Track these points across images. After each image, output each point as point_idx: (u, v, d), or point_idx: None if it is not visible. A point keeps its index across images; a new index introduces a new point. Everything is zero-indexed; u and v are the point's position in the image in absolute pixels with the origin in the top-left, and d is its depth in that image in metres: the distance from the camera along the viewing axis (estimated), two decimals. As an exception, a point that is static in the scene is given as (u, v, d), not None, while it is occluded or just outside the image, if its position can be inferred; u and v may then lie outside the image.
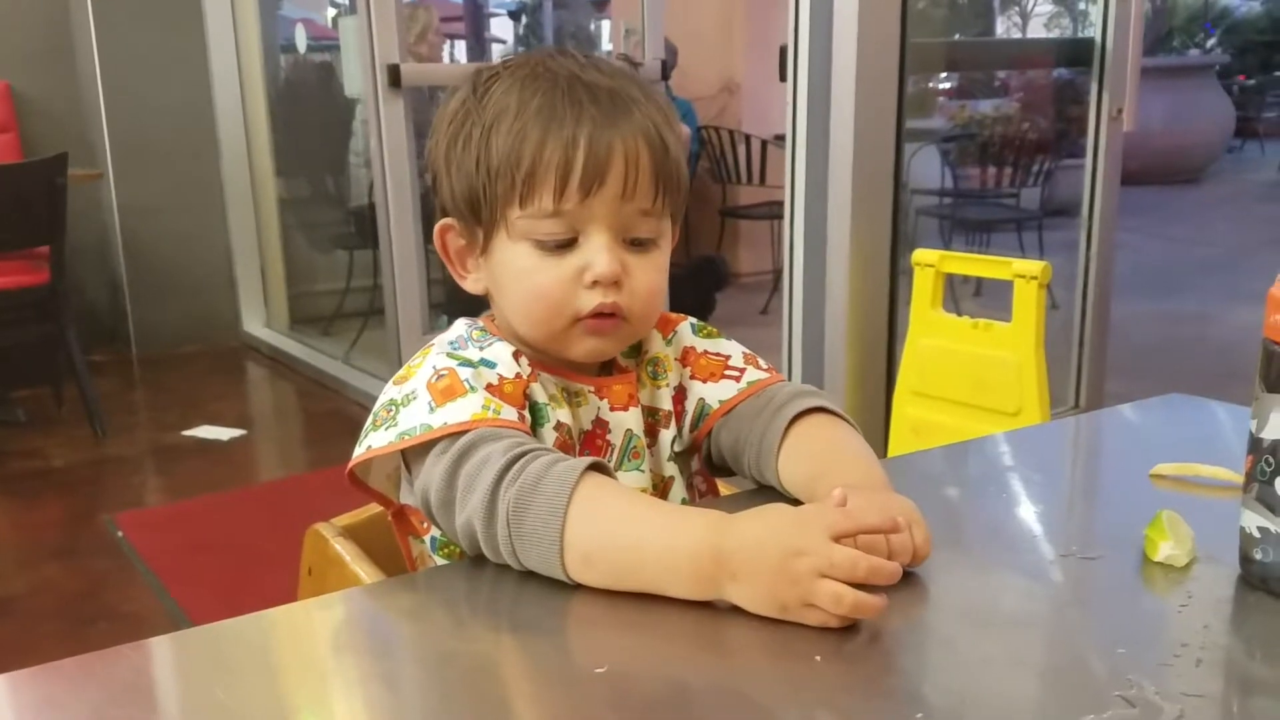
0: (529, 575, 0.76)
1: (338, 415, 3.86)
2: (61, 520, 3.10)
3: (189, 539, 2.87)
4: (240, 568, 2.62)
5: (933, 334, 2.47)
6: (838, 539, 0.69)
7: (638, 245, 0.87)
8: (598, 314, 0.86)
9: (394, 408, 0.84)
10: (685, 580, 0.72)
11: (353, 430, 0.87)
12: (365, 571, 0.90)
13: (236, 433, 3.68)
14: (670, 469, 0.95)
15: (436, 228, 0.94)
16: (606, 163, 0.83)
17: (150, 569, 2.65)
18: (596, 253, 0.85)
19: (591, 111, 0.84)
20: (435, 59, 4.25)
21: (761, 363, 0.99)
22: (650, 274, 0.88)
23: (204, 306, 4.81)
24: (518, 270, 0.87)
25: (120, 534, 2.85)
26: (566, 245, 0.86)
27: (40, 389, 3.93)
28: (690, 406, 0.97)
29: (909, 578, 0.74)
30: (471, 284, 0.93)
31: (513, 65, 0.89)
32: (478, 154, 0.87)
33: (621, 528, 0.74)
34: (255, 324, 4.94)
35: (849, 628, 0.68)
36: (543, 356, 0.90)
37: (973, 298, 4.03)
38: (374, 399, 0.88)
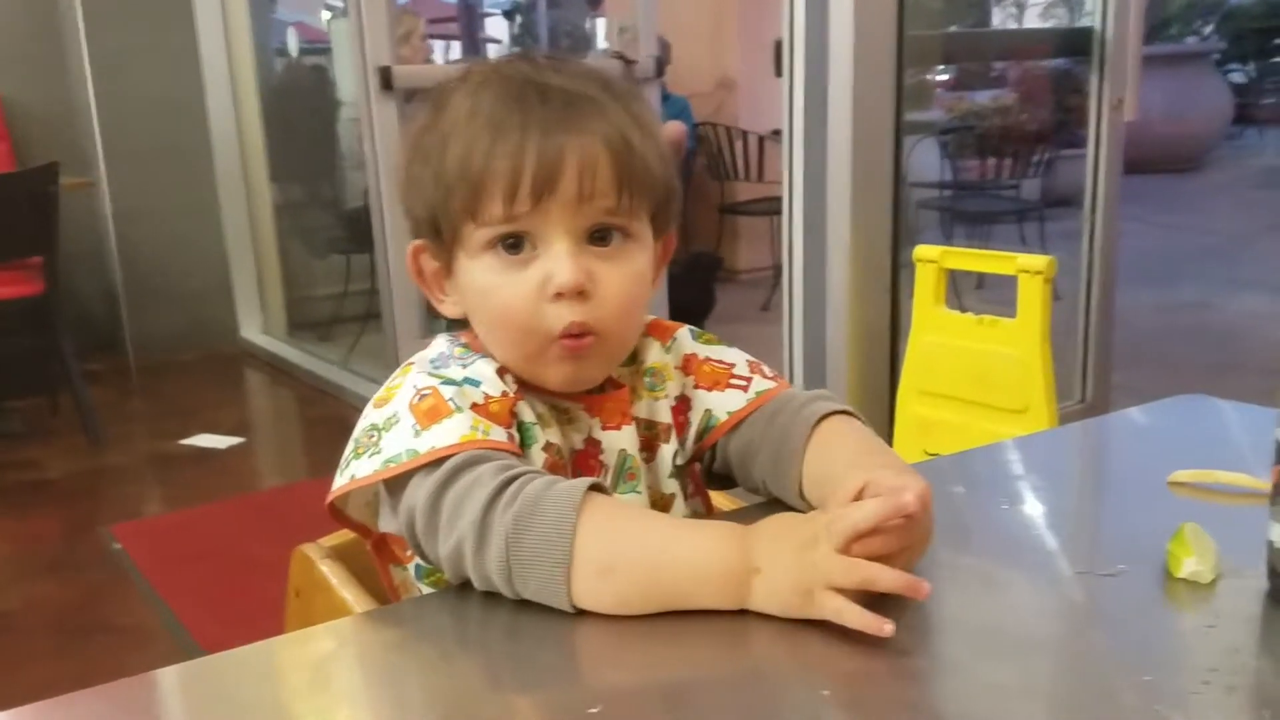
0: (522, 605, 0.73)
1: (337, 421, 3.83)
2: (58, 532, 3.08)
3: (187, 549, 2.84)
4: (239, 578, 2.59)
5: (936, 331, 2.44)
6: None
7: (601, 241, 0.82)
8: (569, 334, 0.81)
9: (376, 433, 0.79)
10: (713, 583, 0.70)
11: (351, 435, 0.83)
12: (352, 595, 0.87)
13: (234, 440, 3.65)
14: (671, 485, 0.91)
15: (409, 250, 0.89)
16: (557, 167, 0.78)
17: (148, 580, 2.62)
18: (557, 260, 0.80)
19: (541, 115, 0.79)
20: (419, 62, 4.24)
21: (766, 370, 0.95)
22: (621, 281, 0.82)
23: (201, 313, 4.78)
24: (480, 289, 0.83)
25: (117, 545, 2.82)
26: (522, 250, 0.81)
27: (36, 399, 3.91)
28: (695, 418, 0.93)
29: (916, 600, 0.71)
30: (449, 307, 0.89)
31: (472, 74, 0.85)
32: (435, 169, 0.82)
33: (639, 538, 0.72)
34: (253, 330, 4.92)
35: (860, 653, 0.65)
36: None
37: (975, 290, 4.00)
38: (373, 404, 0.84)
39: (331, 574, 0.90)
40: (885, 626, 0.66)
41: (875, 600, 0.68)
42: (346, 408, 3.92)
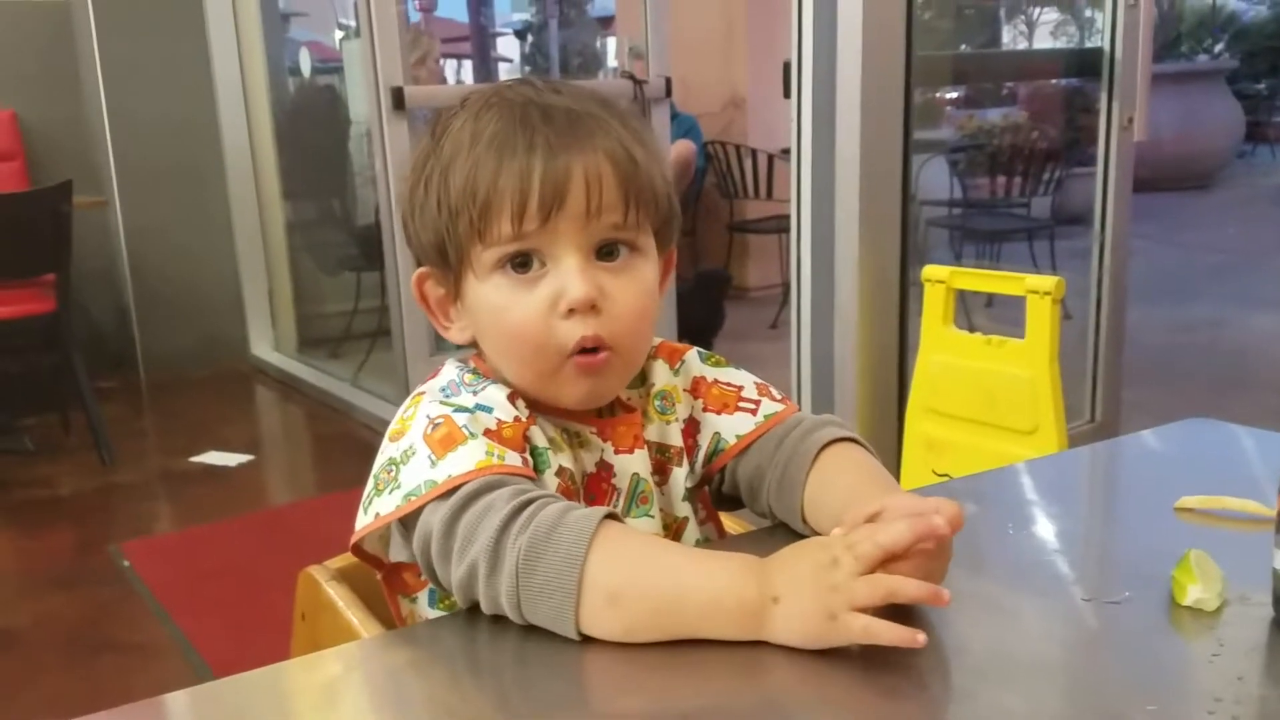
0: (532, 631, 0.73)
1: (346, 438, 3.84)
2: (68, 549, 3.09)
3: (196, 567, 2.85)
4: (248, 596, 2.60)
5: (945, 351, 2.43)
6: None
7: (609, 255, 0.82)
8: (583, 350, 0.81)
9: (394, 467, 0.79)
10: (726, 614, 0.69)
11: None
12: (358, 617, 0.87)
13: (244, 458, 3.65)
14: (684, 509, 0.91)
15: (414, 278, 0.90)
16: (565, 184, 0.79)
17: (157, 598, 2.63)
18: (568, 276, 0.80)
19: (546, 134, 0.79)
20: (434, 84, 4.28)
21: (774, 393, 0.95)
22: (631, 294, 0.82)
23: (212, 330, 4.80)
24: (491, 310, 0.83)
25: (127, 563, 2.83)
26: (531, 269, 0.81)
27: (48, 417, 3.92)
28: (704, 440, 0.93)
29: (924, 626, 0.71)
30: (456, 333, 0.89)
31: (471, 100, 0.85)
32: (438, 195, 0.82)
33: (652, 568, 0.71)
34: (263, 347, 4.93)
35: (869, 682, 0.65)
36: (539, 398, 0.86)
37: (985, 309, 4.00)
38: (382, 421, 0.84)
39: (338, 596, 0.89)
40: (919, 637, 0.65)
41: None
42: (356, 425, 3.93)
